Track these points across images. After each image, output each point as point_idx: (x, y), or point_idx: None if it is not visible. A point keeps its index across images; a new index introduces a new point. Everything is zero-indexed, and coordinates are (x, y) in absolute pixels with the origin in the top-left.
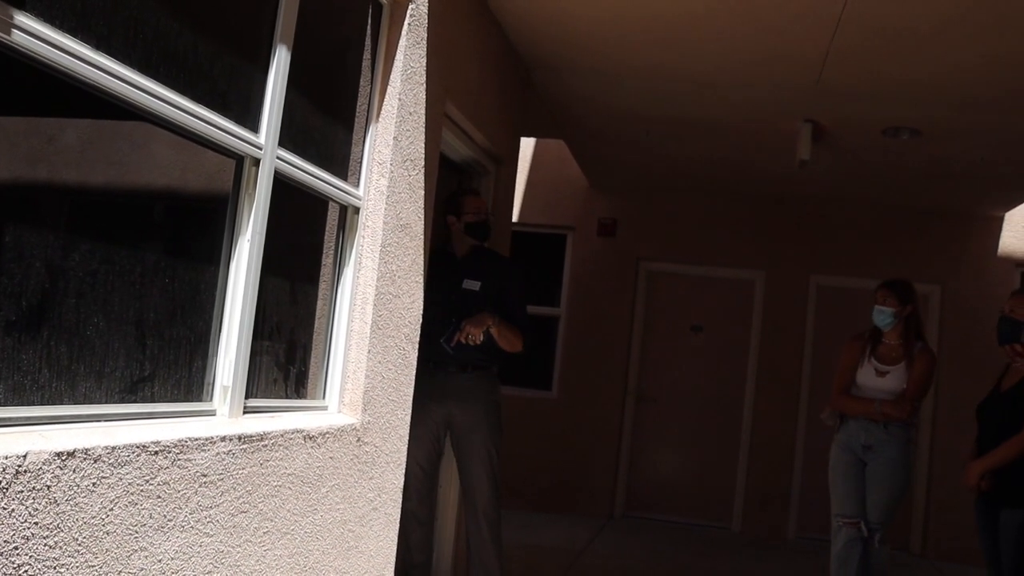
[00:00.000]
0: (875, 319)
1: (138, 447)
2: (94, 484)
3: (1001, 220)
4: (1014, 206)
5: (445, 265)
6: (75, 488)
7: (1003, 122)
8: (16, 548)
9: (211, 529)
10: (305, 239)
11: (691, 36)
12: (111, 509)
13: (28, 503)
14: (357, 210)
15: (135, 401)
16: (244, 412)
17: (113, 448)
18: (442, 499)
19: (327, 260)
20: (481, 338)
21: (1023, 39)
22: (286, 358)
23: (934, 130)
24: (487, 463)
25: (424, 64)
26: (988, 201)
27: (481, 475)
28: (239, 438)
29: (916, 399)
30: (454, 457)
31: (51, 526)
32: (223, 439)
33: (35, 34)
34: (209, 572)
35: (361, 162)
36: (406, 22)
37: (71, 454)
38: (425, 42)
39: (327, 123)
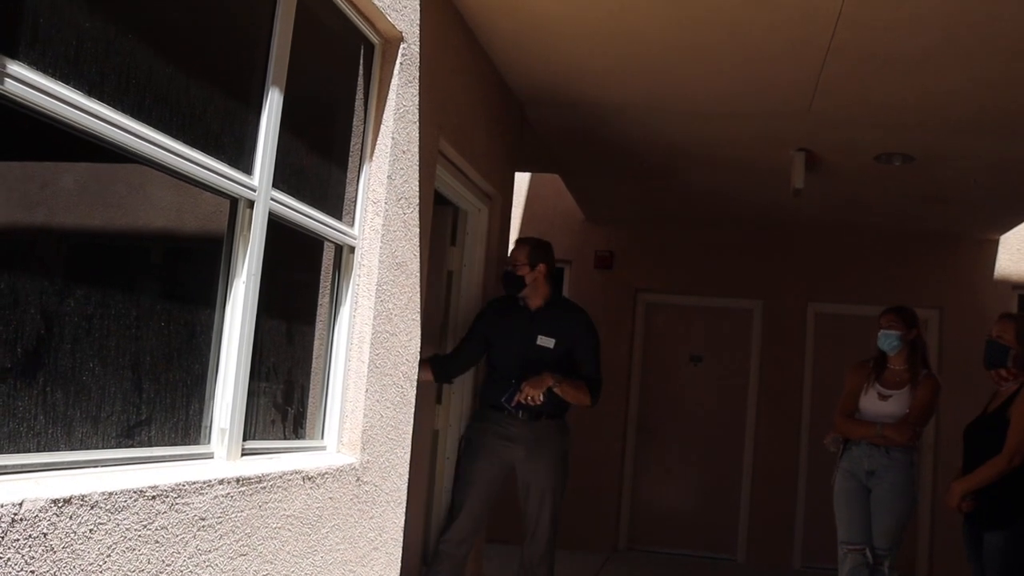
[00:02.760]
0: (881, 343)
1: (135, 492)
2: (91, 530)
3: (997, 243)
4: (1009, 229)
5: (517, 317)
6: (72, 535)
7: (995, 145)
8: None
9: (210, 573)
10: (301, 279)
11: (682, 67)
12: (108, 555)
13: (24, 551)
14: (352, 249)
15: (132, 446)
16: (242, 454)
17: (110, 494)
18: None
19: (323, 300)
20: (541, 399)
21: (1011, 62)
22: (284, 399)
23: (926, 155)
24: (550, 507)
25: (417, 102)
26: (983, 225)
27: (545, 518)
28: (237, 480)
29: (918, 424)
30: (516, 500)
31: (48, 574)
32: (221, 482)
33: (28, 83)
34: None
35: (355, 201)
36: (398, 61)
37: (68, 501)
38: (417, 80)
39: (321, 163)
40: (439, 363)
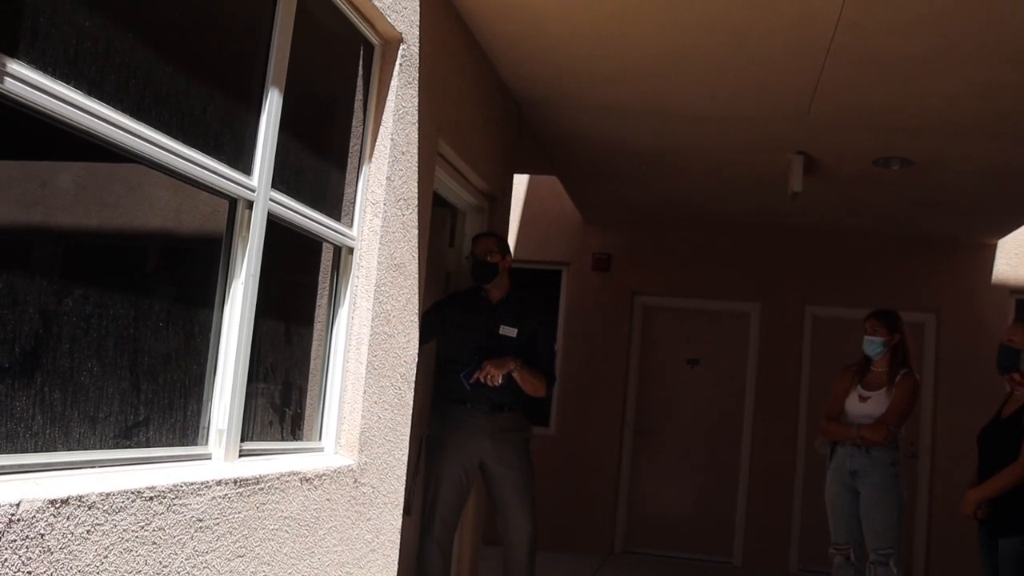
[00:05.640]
0: (865, 349)
1: (133, 493)
2: (88, 531)
3: (994, 248)
4: (1007, 233)
5: (477, 308)
6: (69, 536)
7: (993, 150)
8: None
9: (208, 574)
10: (299, 280)
11: (681, 70)
12: (106, 556)
13: (22, 552)
14: (351, 250)
15: (130, 446)
16: (240, 455)
17: (108, 494)
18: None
19: (321, 301)
20: (500, 380)
21: (1009, 67)
22: (281, 400)
23: (925, 159)
24: (527, 501)
25: (416, 104)
26: (981, 229)
27: (522, 512)
28: (235, 481)
29: (893, 423)
30: (489, 495)
31: (45, 575)
32: (219, 483)
33: (28, 82)
34: None
35: (354, 202)
36: (397, 62)
37: (65, 501)
38: (417, 82)
39: (320, 164)
40: None
